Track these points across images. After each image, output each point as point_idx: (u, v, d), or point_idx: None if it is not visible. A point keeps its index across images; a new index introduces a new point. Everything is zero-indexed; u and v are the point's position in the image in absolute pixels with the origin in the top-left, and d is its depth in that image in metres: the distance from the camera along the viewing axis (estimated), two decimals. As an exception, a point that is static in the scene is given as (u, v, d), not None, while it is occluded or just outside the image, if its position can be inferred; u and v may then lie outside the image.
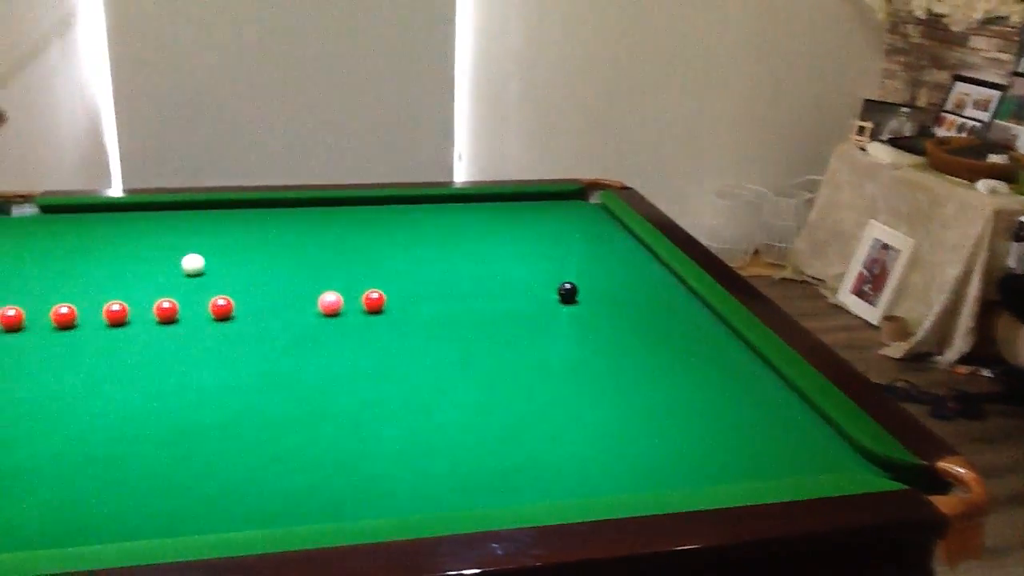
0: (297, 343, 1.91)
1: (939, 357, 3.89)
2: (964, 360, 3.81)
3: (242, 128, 4.39)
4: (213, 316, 2.00)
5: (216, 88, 4.32)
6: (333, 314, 2.04)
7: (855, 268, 4.46)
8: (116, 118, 4.30)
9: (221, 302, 2.01)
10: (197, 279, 2.25)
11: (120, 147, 4.34)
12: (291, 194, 2.95)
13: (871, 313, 4.29)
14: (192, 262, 2.27)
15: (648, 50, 4.79)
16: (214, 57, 4.28)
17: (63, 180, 3.81)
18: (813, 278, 4.77)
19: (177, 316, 1.99)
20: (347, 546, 1.17)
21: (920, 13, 4.72)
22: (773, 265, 4.96)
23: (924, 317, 3.95)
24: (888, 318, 4.11)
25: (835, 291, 4.56)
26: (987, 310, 3.77)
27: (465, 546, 1.21)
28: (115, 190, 4.13)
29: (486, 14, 4.55)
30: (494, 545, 1.21)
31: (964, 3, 4.47)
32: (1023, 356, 3.61)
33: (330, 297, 2.05)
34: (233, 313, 2.02)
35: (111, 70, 4.21)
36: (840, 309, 4.46)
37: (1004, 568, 2.56)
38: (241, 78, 4.32)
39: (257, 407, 1.62)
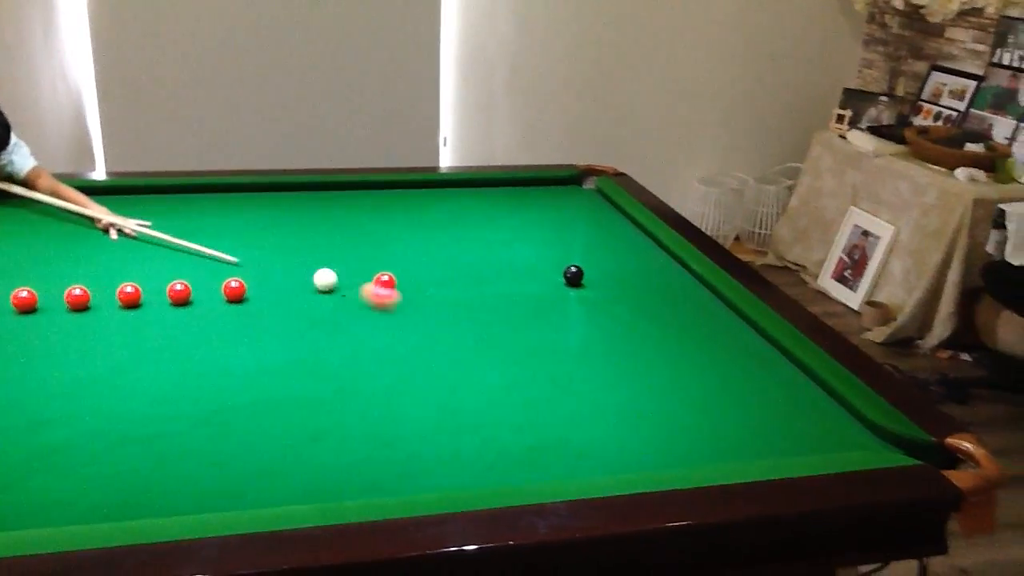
0: (313, 325, 1.93)
1: (920, 342, 3.98)
2: (945, 344, 3.90)
3: (225, 113, 4.36)
4: (226, 298, 2.01)
5: (201, 72, 4.29)
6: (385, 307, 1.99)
7: (836, 254, 4.54)
8: (99, 101, 4.25)
9: (234, 284, 2.02)
10: (203, 262, 2.24)
11: (103, 130, 4.30)
12: (284, 178, 2.95)
13: (852, 298, 4.37)
14: (325, 277, 2.11)
15: (633, 38, 4.82)
16: (199, 40, 4.25)
17: (46, 163, 3.77)
18: (794, 264, 4.84)
19: (190, 298, 2.00)
20: (396, 519, 1.20)
21: (898, 4, 4.79)
22: (755, 251, 5.03)
23: (905, 302, 4.04)
24: (870, 303, 4.19)
25: (816, 277, 4.64)
26: (967, 296, 3.86)
27: (508, 520, 1.24)
28: (102, 173, 4.08)
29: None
30: (534, 519, 1.24)
31: (942, -6, 4.55)
32: (1004, 341, 3.71)
33: (382, 291, 1.98)
34: (245, 295, 2.03)
35: (93, 53, 4.16)
36: (821, 294, 4.54)
37: (994, 546, 2.65)
38: (225, 62, 4.29)
39: (285, 387, 1.64)
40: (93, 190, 2.63)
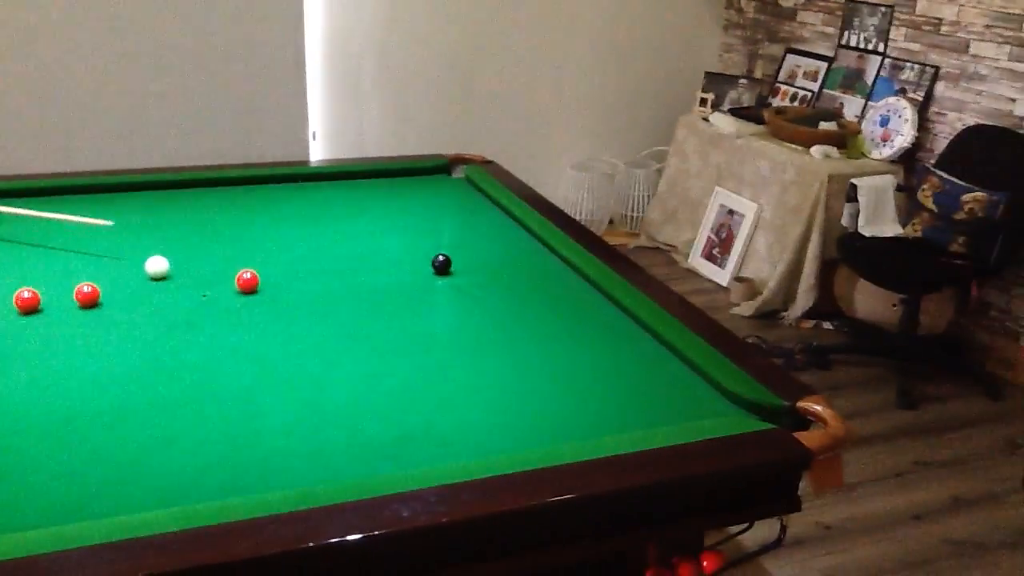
0: (171, 327, 1.87)
1: (785, 313, 4.15)
2: (808, 315, 4.08)
3: (71, 109, 4.16)
4: (79, 304, 1.93)
5: (43, 65, 4.08)
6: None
7: (704, 233, 4.68)
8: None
9: (86, 289, 1.94)
10: (56, 267, 2.14)
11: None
12: (142, 178, 2.84)
13: (721, 275, 4.52)
14: (156, 265, 2.11)
15: (500, 27, 4.84)
16: (40, 30, 4.04)
17: None
18: (666, 244, 4.97)
19: (40, 305, 1.91)
20: (254, 518, 1.18)
21: (754, -11, 4.97)
22: (628, 234, 5.14)
23: (770, 277, 4.20)
24: (738, 279, 4.35)
25: (687, 256, 4.77)
26: (826, 267, 4.05)
27: (371, 510, 1.23)
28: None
29: (336, -10, 4.49)
30: (399, 506, 1.24)
31: (793, -21, 4.74)
32: (860, 309, 3.91)
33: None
34: (99, 300, 1.95)
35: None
36: (692, 273, 4.68)
37: (853, 501, 2.79)
38: (71, 52, 4.10)
39: (139, 392, 1.59)
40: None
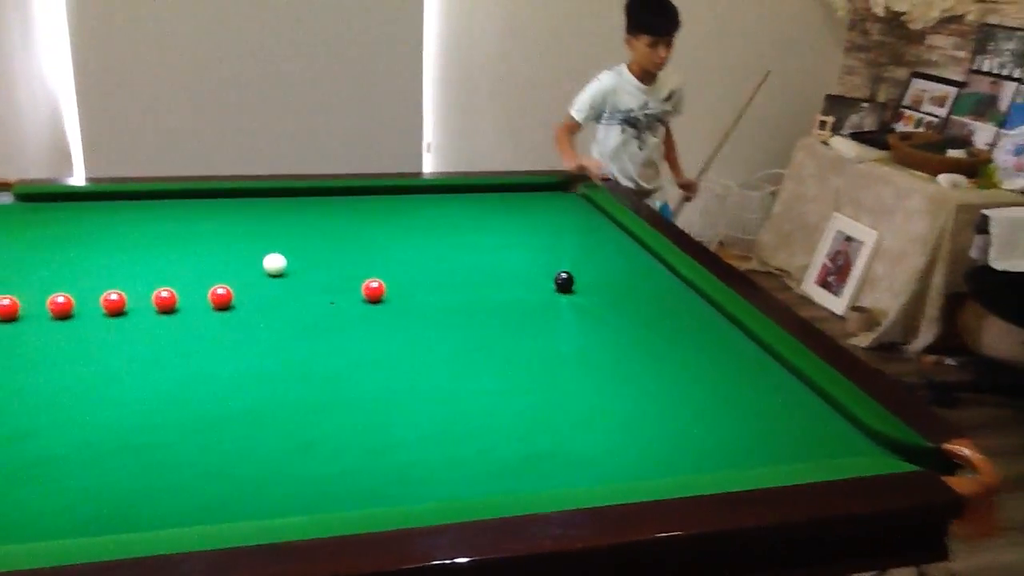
0: (302, 332, 1.90)
1: (905, 347, 3.99)
2: (930, 349, 3.92)
3: (207, 117, 4.31)
4: (213, 306, 1.97)
5: (182, 76, 4.24)
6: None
7: (819, 260, 4.55)
8: (78, 106, 4.20)
9: (220, 291, 1.98)
10: (190, 268, 2.20)
11: (82, 135, 4.24)
12: (266, 184, 2.91)
13: (836, 304, 4.38)
14: (274, 262, 2.20)
15: (619, 43, 4.81)
16: (179, 44, 4.20)
17: (25, 169, 3.71)
18: (778, 269, 4.85)
19: (176, 306, 1.96)
20: (392, 531, 1.17)
21: (879, 11, 4.82)
22: (739, 257, 5.03)
23: (888, 307, 4.05)
24: (855, 308, 4.20)
25: (800, 282, 4.65)
26: (951, 301, 3.88)
27: (505, 530, 1.21)
28: (81, 179, 4.02)
29: (455, 3, 4.53)
30: (534, 529, 1.21)
31: (923, 1, 4.58)
32: (988, 345, 3.72)
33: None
34: (233, 303, 1.99)
35: (72, 56, 4.11)
36: (805, 300, 4.55)
37: (982, 550, 2.64)
38: (206, 66, 4.25)
39: (276, 395, 1.61)
40: (72, 195, 2.59)
